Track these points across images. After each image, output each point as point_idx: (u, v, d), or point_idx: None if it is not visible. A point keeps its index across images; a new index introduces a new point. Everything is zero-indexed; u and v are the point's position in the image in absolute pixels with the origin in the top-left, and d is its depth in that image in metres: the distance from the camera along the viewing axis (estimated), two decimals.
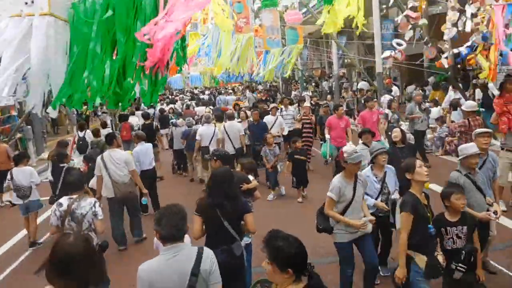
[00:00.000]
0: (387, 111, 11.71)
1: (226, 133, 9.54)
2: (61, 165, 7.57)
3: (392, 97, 14.53)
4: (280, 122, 10.85)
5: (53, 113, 4.18)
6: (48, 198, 7.73)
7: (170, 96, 30.06)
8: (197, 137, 9.49)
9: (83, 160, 9.07)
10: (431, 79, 16.61)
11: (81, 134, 11.16)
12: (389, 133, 8.52)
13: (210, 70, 23.30)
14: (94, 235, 4.51)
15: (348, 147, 4.59)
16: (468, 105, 8.62)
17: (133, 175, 6.82)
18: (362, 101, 15.31)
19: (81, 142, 10.84)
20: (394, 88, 17.21)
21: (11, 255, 7.09)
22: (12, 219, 8.25)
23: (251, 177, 5.43)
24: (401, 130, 6.91)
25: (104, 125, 12.83)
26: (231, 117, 10.14)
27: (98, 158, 6.76)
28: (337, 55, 21.03)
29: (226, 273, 3.21)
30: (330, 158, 10.16)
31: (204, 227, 3.94)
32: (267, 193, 8.94)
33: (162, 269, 2.74)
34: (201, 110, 16.72)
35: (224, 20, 16.04)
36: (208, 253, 2.92)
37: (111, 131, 12.37)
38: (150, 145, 8.52)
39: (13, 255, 7.00)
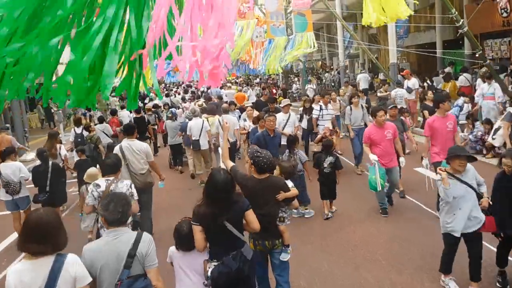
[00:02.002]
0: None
1: (221, 126, 9.34)
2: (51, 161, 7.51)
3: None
4: (293, 120, 9.75)
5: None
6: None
7: (164, 89, 29.15)
8: (187, 132, 10.01)
9: (77, 151, 9.20)
10: (448, 70, 15.69)
11: (78, 130, 11.03)
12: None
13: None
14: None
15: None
16: None
17: (152, 166, 6.82)
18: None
19: (79, 139, 10.70)
20: (413, 80, 14.04)
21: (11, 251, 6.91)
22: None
23: (290, 183, 4.74)
24: None
25: (101, 120, 12.57)
26: (226, 111, 10.43)
27: (117, 148, 6.76)
28: (343, 45, 20.12)
29: (238, 280, 3.46)
30: (382, 187, 6.95)
31: (205, 235, 3.65)
32: None
33: (102, 250, 3.09)
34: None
35: None
36: (146, 237, 3.21)
37: (107, 124, 12.37)
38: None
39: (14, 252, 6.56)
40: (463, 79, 14.64)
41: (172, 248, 3.72)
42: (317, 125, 10.16)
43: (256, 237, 4.19)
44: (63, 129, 20.07)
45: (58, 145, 8.89)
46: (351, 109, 9.94)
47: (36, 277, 2.70)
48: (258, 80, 35.97)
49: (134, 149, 6.61)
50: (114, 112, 14.09)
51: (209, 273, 3.48)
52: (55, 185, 7.35)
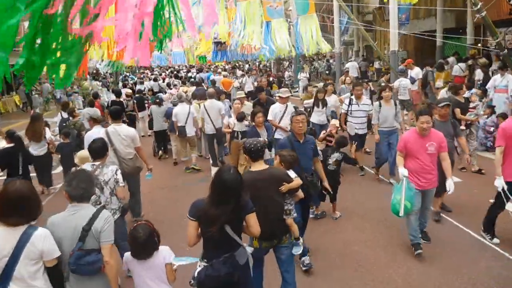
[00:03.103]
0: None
1: (207, 112, 9.48)
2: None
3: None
4: (291, 111, 8.75)
5: None
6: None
7: (150, 74, 28.10)
8: (173, 118, 9.80)
9: (61, 134, 9.09)
10: (451, 60, 14.91)
11: (64, 115, 10.70)
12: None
13: (196, 44, 21.15)
14: (115, 200, 4.89)
15: None
16: None
17: (138, 152, 6.65)
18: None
19: (64, 124, 10.27)
20: (416, 70, 13.23)
21: None
22: None
23: (292, 174, 4.39)
24: None
25: (91, 104, 11.92)
26: (211, 96, 9.86)
27: (102, 132, 6.57)
28: (339, 30, 19.19)
29: (228, 285, 3.33)
30: (406, 212, 5.39)
31: (199, 231, 3.46)
32: None
33: (61, 223, 3.25)
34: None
35: None
36: (104, 214, 3.31)
37: (96, 109, 11.71)
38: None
39: None
40: (457, 69, 14.33)
41: (127, 254, 3.48)
42: (346, 121, 8.91)
43: (263, 236, 3.79)
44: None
45: (45, 128, 8.70)
46: (380, 105, 8.08)
47: (5, 244, 2.88)
48: (247, 66, 34.98)
49: (121, 134, 6.44)
50: (96, 95, 13.54)
51: (195, 273, 3.35)
52: (25, 169, 7.15)
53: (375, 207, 7.03)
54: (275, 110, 8.24)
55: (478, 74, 13.02)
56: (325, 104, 9.60)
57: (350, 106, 8.78)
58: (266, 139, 7.39)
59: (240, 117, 8.46)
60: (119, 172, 4.94)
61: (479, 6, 8.98)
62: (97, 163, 4.93)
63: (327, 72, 23.86)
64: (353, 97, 8.83)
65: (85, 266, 3.16)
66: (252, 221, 3.44)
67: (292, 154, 4.83)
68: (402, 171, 5.36)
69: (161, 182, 8.98)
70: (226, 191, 3.29)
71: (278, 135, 8.11)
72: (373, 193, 7.71)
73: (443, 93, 10.77)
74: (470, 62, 14.75)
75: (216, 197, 3.31)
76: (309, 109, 10.15)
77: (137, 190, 6.89)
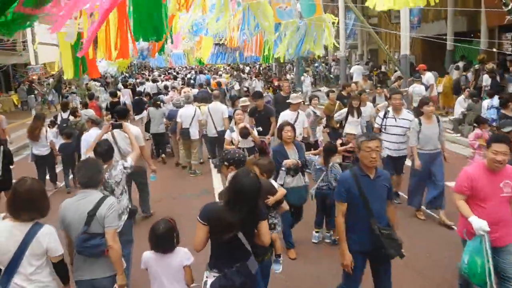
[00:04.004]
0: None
1: (210, 115, 9.31)
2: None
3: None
4: (303, 120, 7.95)
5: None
6: None
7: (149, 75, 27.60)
8: (178, 119, 9.47)
9: (63, 134, 8.98)
10: (460, 64, 14.47)
11: (64, 115, 10.55)
12: None
13: (198, 45, 20.59)
14: (127, 197, 4.90)
15: None
16: None
17: (142, 152, 6.48)
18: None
19: (64, 125, 10.04)
20: (428, 75, 12.69)
21: None
22: None
23: (274, 183, 4.32)
24: None
25: (85, 105, 12.52)
26: (216, 97, 9.83)
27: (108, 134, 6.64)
28: (344, 33, 18.70)
29: None
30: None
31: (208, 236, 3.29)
32: None
33: (69, 208, 3.50)
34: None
35: None
36: (109, 201, 3.52)
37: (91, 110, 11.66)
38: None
39: None
40: (458, 74, 13.81)
41: (146, 252, 3.57)
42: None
43: None
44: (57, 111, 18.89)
45: (44, 129, 8.69)
46: (420, 122, 6.29)
47: (13, 239, 3.05)
48: (248, 69, 34.52)
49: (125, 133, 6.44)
50: (91, 96, 13.78)
51: (208, 285, 3.22)
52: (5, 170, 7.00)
53: (423, 255, 5.37)
54: (285, 117, 7.56)
55: (486, 80, 12.61)
56: (360, 113, 8.36)
57: (384, 119, 6.93)
58: (299, 161, 5.53)
59: (245, 134, 7.27)
60: (125, 163, 4.81)
61: (510, 7, 8.44)
62: (104, 166, 4.65)
63: (331, 76, 23.38)
64: (390, 108, 7.01)
65: (90, 249, 3.38)
66: (264, 229, 3.30)
67: (270, 160, 4.65)
68: (479, 224, 3.65)
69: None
70: (244, 196, 3.12)
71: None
72: (417, 234, 5.95)
73: (460, 101, 10.31)
74: (477, 67, 14.40)
75: (233, 202, 3.12)
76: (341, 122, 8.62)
77: (145, 186, 7.10)
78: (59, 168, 9.23)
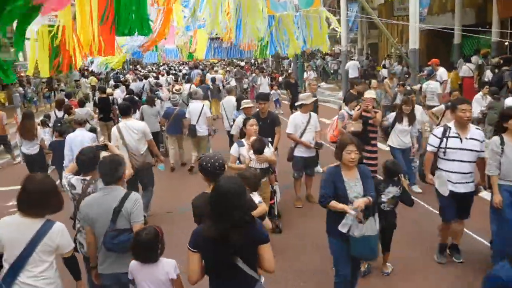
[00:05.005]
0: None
1: (224, 109, 9.46)
2: None
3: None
4: (315, 124, 6.87)
5: None
6: None
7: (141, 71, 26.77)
8: (187, 115, 9.31)
9: (56, 131, 8.91)
10: (474, 59, 13.70)
11: (59, 114, 10.53)
12: None
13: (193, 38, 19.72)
14: None
15: None
16: None
17: (150, 145, 6.78)
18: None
19: (59, 124, 9.80)
20: (440, 70, 11.61)
21: None
22: None
23: (256, 198, 3.97)
24: None
25: (82, 104, 11.78)
26: (230, 92, 9.85)
27: (114, 128, 6.75)
28: (346, 26, 17.81)
29: None
30: None
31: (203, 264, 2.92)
32: None
33: (93, 204, 3.59)
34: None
35: None
36: (133, 197, 3.58)
37: (88, 109, 11.90)
38: (90, 134, 7.39)
39: None
40: (466, 69, 13.40)
41: (132, 262, 3.34)
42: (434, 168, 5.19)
43: None
44: (21, 113, 17.99)
45: (38, 127, 8.79)
46: (502, 141, 4.53)
47: (23, 235, 3.07)
48: (243, 64, 33.65)
49: (132, 128, 6.55)
50: (69, 95, 13.69)
51: None
52: None
53: None
54: (295, 120, 6.78)
55: (488, 75, 12.33)
56: (412, 120, 7.01)
57: (444, 140, 4.82)
58: (369, 198, 3.94)
59: (261, 149, 5.47)
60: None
61: None
62: (88, 178, 4.21)
63: (331, 72, 22.58)
64: (451, 124, 4.89)
65: (118, 245, 3.43)
66: (268, 254, 2.87)
67: (255, 173, 4.22)
68: None
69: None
70: (226, 202, 2.70)
71: (298, 151, 6.83)
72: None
73: (477, 98, 9.54)
74: (480, 62, 13.80)
75: (217, 211, 2.73)
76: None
77: (150, 183, 7.00)
78: (51, 169, 9.02)
